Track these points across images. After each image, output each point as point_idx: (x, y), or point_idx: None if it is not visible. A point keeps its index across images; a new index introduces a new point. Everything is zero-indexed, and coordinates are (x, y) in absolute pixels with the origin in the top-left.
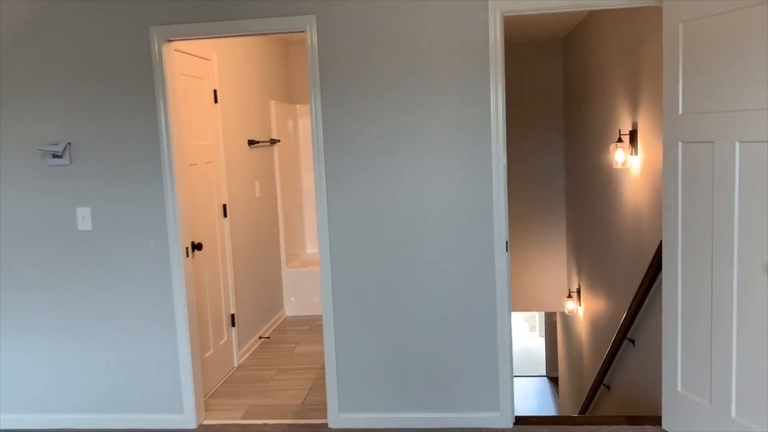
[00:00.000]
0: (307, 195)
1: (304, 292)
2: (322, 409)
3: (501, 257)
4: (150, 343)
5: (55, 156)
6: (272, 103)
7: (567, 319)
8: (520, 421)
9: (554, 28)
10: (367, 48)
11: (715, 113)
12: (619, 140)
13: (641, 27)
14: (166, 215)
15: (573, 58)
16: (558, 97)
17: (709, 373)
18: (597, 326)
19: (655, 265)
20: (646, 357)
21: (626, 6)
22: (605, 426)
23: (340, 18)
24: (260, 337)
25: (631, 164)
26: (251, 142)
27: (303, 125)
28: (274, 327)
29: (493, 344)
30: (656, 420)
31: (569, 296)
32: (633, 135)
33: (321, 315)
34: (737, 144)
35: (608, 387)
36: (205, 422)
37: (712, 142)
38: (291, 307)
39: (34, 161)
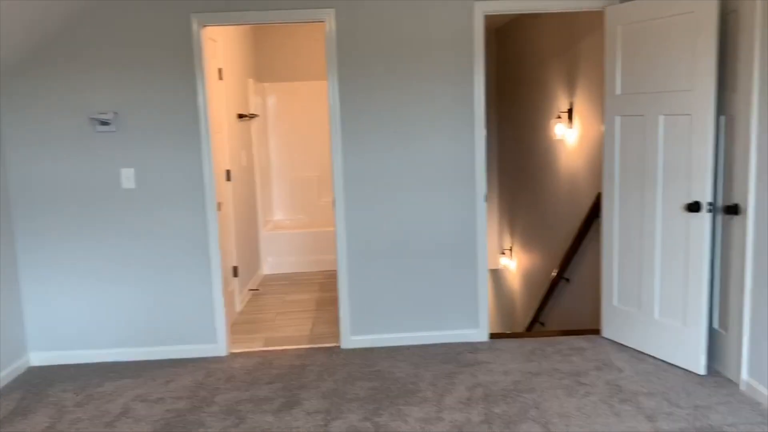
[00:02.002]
0: (275, 166)
1: (279, 252)
2: (328, 337)
3: (480, 206)
4: (187, 285)
5: (103, 123)
6: (250, 81)
7: (499, 275)
8: (493, 336)
9: (488, 21)
10: (377, 37)
11: (645, 94)
12: (558, 117)
13: (578, 24)
14: (203, 174)
15: (507, 48)
16: (489, 81)
17: (638, 289)
18: (529, 277)
19: (591, 215)
20: (579, 291)
21: (578, 9)
22: (559, 337)
23: (355, 12)
24: (250, 290)
25: (569, 136)
26: (240, 116)
27: (270, 102)
28: (257, 283)
29: (474, 275)
30: (595, 332)
31: (503, 253)
32: (570, 112)
33: (295, 272)
34: (661, 117)
35: (543, 324)
36: (233, 351)
37: (643, 115)
38: (268, 266)
39: (84, 128)
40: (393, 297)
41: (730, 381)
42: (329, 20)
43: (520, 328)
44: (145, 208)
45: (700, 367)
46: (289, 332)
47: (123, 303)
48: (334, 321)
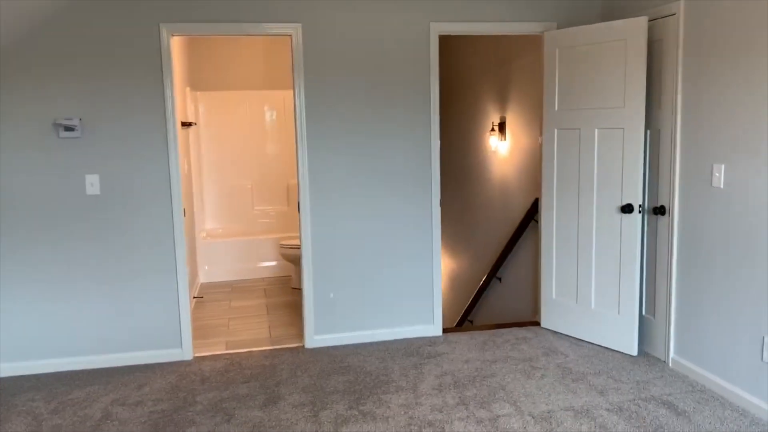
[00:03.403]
0: (207, 175)
1: (216, 260)
2: (289, 338)
3: (436, 210)
4: (152, 290)
5: (67, 129)
6: (187, 90)
7: None
8: (445, 330)
9: None
10: (341, 50)
11: (581, 110)
12: (492, 130)
13: (510, 45)
14: (170, 181)
15: (441, 63)
16: None
17: (575, 283)
18: (456, 279)
19: (526, 219)
20: (511, 289)
21: (520, 33)
22: (502, 329)
23: (320, 27)
24: (194, 297)
25: (501, 148)
26: (183, 124)
27: (202, 110)
28: (197, 291)
29: (430, 274)
30: (535, 323)
31: None
32: (502, 126)
33: (234, 280)
34: (596, 130)
35: (471, 321)
36: (197, 355)
37: (579, 128)
38: (205, 274)
39: (47, 133)
40: (355, 297)
41: (658, 359)
42: (296, 34)
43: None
44: (110, 214)
45: (633, 349)
46: (247, 336)
47: (84, 311)
48: (291, 324)
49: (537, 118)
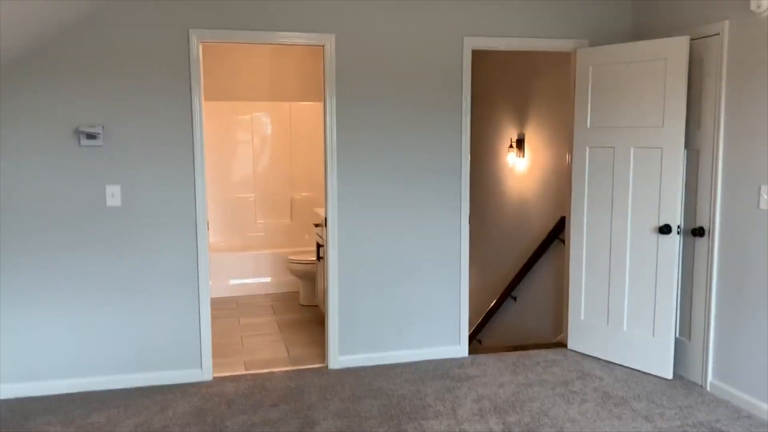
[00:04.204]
0: (209, 187)
1: (220, 275)
2: (310, 358)
3: (465, 228)
4: (173, 308)
5: (89, 137)
6: None
7: None
8: (471, 351)
9: None
10: (373, 63)
11: (616, 128)
12: (510, 146)
13: (530, 61)
14: (195, 193)
15: None
16: None
17: (606, 304)
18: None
19: (547, 240)
20: (527, 310)
21: (551, 50)
22: (528, 351)
23: (354, 38)
24: None
25: (519, 165)
26: None
27: (206, 120)
28: None
29: (458, 295)
30: (559, 345)
31: None
32: (520, 142)
33: (239, 296)
34: (632, 148)
35: (480, 341)
36: (216, 375)
37: (613, 147)
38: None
39: (67, 141)
40: (380, 317)
41: (694, 383)
42: (329, 45)
43: None
44: (130, 227)
45: (668, 372)
46: (265, 355)
47: (99, 329)
48: (309, 343)
49: (559, 136)
